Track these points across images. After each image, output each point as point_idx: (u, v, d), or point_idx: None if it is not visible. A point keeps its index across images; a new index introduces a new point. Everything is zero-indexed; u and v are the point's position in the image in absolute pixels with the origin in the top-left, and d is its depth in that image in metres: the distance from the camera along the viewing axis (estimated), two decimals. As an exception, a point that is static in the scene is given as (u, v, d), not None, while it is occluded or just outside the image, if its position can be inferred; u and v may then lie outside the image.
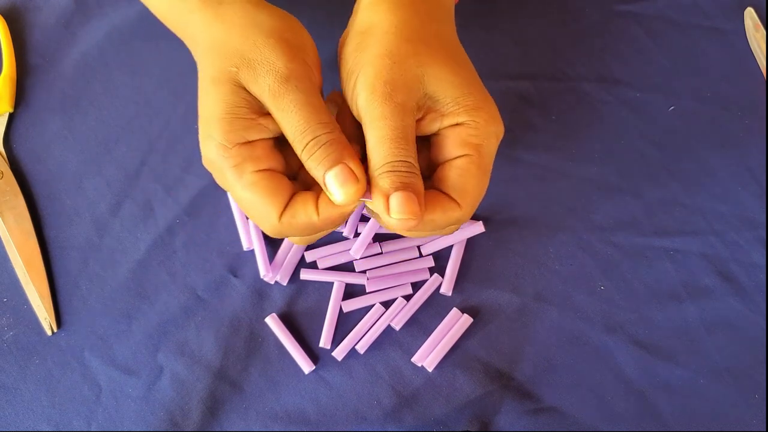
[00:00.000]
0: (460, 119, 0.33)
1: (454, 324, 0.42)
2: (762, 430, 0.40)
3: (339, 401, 0.41)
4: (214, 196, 0.45)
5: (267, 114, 0.32)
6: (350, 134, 0.35)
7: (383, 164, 0.31)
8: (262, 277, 0.43)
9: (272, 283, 0.43)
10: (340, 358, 0.41)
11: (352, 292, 0.43)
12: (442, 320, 0.42)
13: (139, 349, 0.41)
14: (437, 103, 0.33)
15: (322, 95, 0.37)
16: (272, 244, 0.44)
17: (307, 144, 0.31)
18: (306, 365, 0.41)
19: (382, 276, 0.43)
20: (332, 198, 0.31)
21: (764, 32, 0.50)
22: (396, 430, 0.40)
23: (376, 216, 0.34)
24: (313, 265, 0.43)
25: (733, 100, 0.49)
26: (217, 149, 0.32)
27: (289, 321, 0.42)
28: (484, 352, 0.42)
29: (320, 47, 0.48)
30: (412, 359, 0.41)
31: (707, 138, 0.48)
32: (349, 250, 0.43)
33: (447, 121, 0.33)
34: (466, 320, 0.42)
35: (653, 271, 0.44)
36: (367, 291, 0.43)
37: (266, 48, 0.32)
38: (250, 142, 0.32)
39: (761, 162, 0.47)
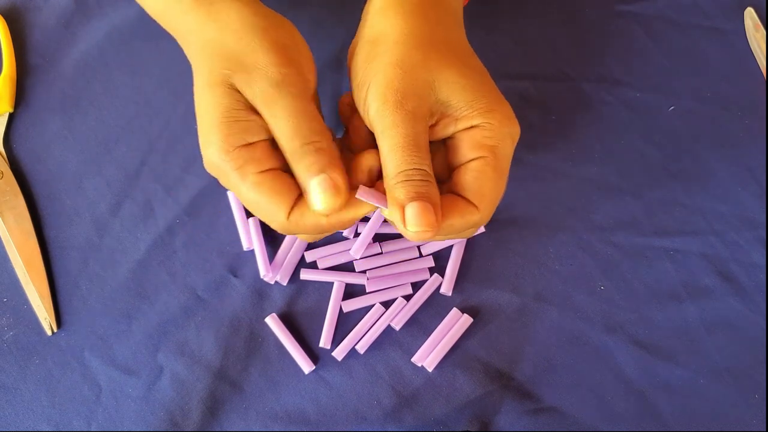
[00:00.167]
0: (474, 122, 0.33)
1: (454, 324, 0.42)
2: (762, 430, 0.40)
3: (339, 401, 0.41)
4: (214, 196, 0.45)
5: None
6: (364, 140, 0.35)
7: (397, 173, 0.31)
8: (262, 277, 0.43)
9: (272, 283, 0.43)
10: (340, 358, 0.41)
11: (352, 292, 0.43)
12: (442, 320, 0.42)
13: (139, 349, 0.41)
14: (450, 108, 0.33)
15: (317, 98, 0.36)
16: (272, 244, 0.44)
17: (294, 151, 0.31)
18: (306, 365, 0.41)
19: (382, 276, 0.43)
20: (312, 206, 0.31)
21: (764, 32, 0.50)
22: (396, 430, 0.40)
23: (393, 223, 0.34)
24: (313, 265, 0.43)
25: (733, 100, 0.49)
26: (218, 153, 0.32)
27: (289, 321, 0.42)
28: (484, 352, 0.42)
29: (321, 47, 0.49)
30: (412, 359, 0.41)
31: (707, 138, 0.48)
32: (349, 250, 0.43)
33: (461, 125, 0.33)
34: (466, 320, 0.42)
35: (653, 271, 0.44)
36: (367, 291, 0.43)
37: (260, 51, 0.32)
38: (250, 143, 0.32)
39: (761, 162, 0.47)
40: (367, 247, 0.43)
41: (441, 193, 0.33)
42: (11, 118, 0.47)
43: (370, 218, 0.43)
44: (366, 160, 0.34)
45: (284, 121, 0.31)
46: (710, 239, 0.45)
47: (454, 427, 0.40)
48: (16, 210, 0.44)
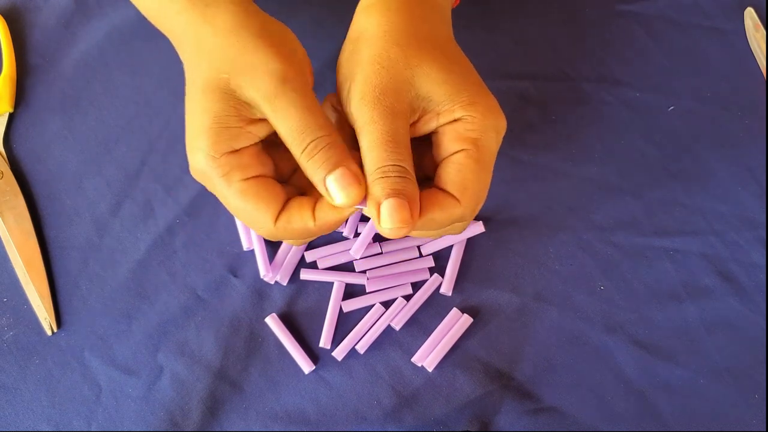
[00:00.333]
0: (456, 115, 0.33)
1: (454, 324, 0.42)
2: (762, 430, 0.40)
3: (339, 401, 0.41)
4: (213, 196, 0.44)
5: (255, 121, 0.32)
6: (348, 138, 0.35)
7: (375, 170, 0.31)
8: (262, 277, 0.43)
9: (272, 283, 0.43)
10: (340, 358, 0.41)
11: (352, 292, 0.43)
12: (442, 320, 0.42)
13: (139, 349, 0.41)
14: (431, 103, 0.33)
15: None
16: (272, 244, 0.44)
17: (306, 147, 0.31)
18: (306, 365, 0.41)
19: (382, 276, 0.43)
20: (333, 201, 0.31)
21: (764, 32, 0.50)
22: (396, 430, 0.40)
23: None
24: (313, 265, 0.43)
25: (733, 100, 0.49)
26: (205, 160, 0.31)
27: (289, 321, 0.42)
28: (484, 352, 0.42)
29: (321, 47, 0.49)
30: (412, 359, 0.41)
31: (707, 138, 0.48)
32: (349, 250, 0.43)
33: (443, 119, 0.33)
34: (466, 320, 0.42)
35: (653, 271, 0.44)
36: (367, 291, 0.43)
37: (259, 51, 0.32)
38: (237, 150, 0.32)
39: (761, 162, 0.47)
40: (367, 247, 0.43)
41: (427, 188, 0.33)
42: (11, 118, 0.47)
43: (370, 218, 0.43)
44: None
45: (291, 117, 0.31)
46: (710, 239, 0.45)
47: (454, 427, 0.40)
48: (16, 210, 0.44)
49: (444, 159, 0.33)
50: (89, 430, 0.40)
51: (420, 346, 0.42)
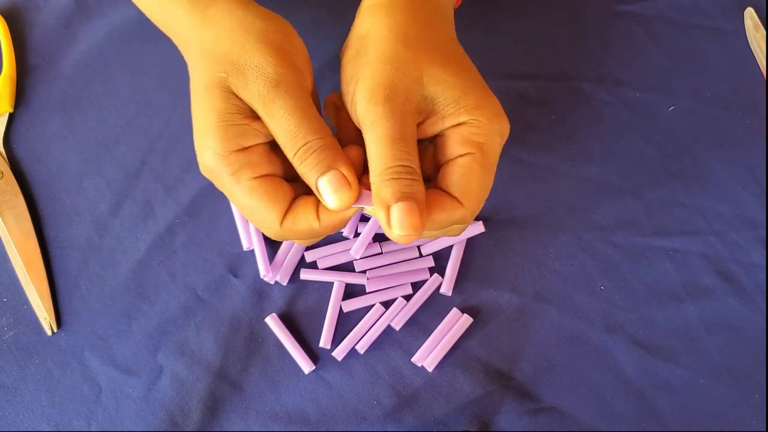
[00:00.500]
0: (461, 119, 0.33)
1: (454, 324, 0.42)
2: (762, 430, 0.40)
3: (339, 401, 0.41)
4: (214, 196, 0.45)
5: (260, 118, 0.32)
6: (352, 137, 0.35)
7: (384, 170, 0.31)
8: (262, 277, 0.43)
9: (272, 283, 0.43)
10: (340, 358, 0.41)
11: (352, 292, 0.43)
12: (442, 320, 0.42)
13: (139, 349, 0.41)
14: (437, 105, 0.33)
15: (318, 99, 0.36)
16: (272, 244, 0.44)
17: (298, 149, 0.31)
18: (306, 365, 0.41)
19: (382, 276, 0.43)
20: (325, 204, 0.31)
21: (764, 32, 0.50)
22: (396, 430, 0.40)
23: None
24: (313, 265, 0.43)
25: (733, 100, 0.49)
26: (213, 158, 0.32)
27: (289, 321, 0.42)
28: (484, 352, 0.42)
29: (321, 47, 0.49)
30: (412, 359, 0.41)
31: (707, 138, 0.48)
32: (349, 250, 0.43)
33: (448, 122, 0.33)
34: (466, 320, 0.42)
35: (653, 271, 0.44)
36: (367, 291, 0.43)
37: (256, 53, 0.32)
38: (246, 148, 0.32)
39: (761, 162, 0.47)
40: (367, 247, 0.43)
41: (427, 189, 0.33)
42: (11, 118, 0.47)
43: (370, 218, 0.43)
44: (349, 154, 0.34)
45: (284, 120, 0.31)
46: (710, 239, 0.45)
47: (454, 427, 0.40)
48: (16, 210, 0.44)
49: (448, 161, 0.33)
50: (89, 430, 0.40)
51: (420, 346, 0.42)
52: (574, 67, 0.50)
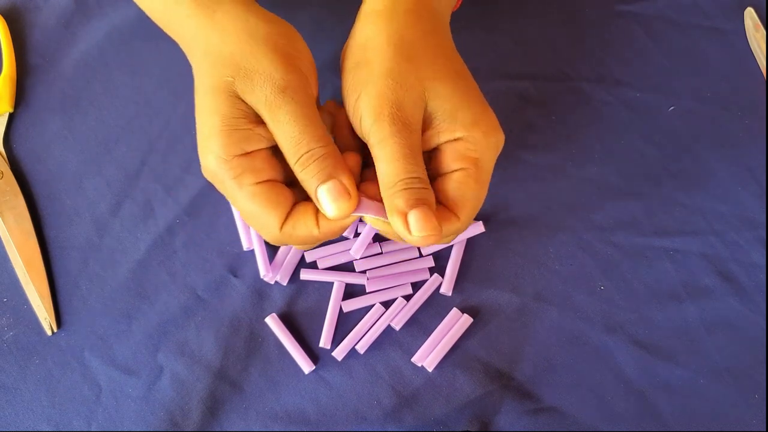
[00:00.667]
0: (456, 135, 0.33)
1: (454, 324, 0.42)
2: (762, 430, 0.40)
3: (339, 401, 0.41)
4: (214, 196, 0.45)
5: (264, 123, 0.32)
6: (347, 144, 0.35)
7: (396, 182, 0.31)
8: (262, 277, 0.43)
9: (272, 283, 0.43)
10: (340, 358, 0.41)
11: (352, 292, 0.43)
12: (442, 320, 0.42)
13: (139, 349, 0.41)
14: (435, 120, 0.33)
15: (319, 104, 0.36)
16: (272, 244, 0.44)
17: (300, 156, 0.31)
18: (306, 365, 0.41)
19: (382, 276, 0.43)
20: (324, 212, 0.32)
21: (764, 32, 0.50)
22: (396, 430, 0.40)
23: (381, 226, 0.34)
24: (313, 265, 0.43)
25: (733, 100, 0.49)
26: (216, 161, 0.32)
27: (289, 321, 0.42)
28: (484, 352, 0.42)
29: (321, 48, 0.49)
30: (412, 359, 0.41)
31: (707, 138, 0.48)
32: (349, 250, 0.43)
33: (444, 137, 0.33)
34: (466, 320, 0.42)
35: (653, 271, 0.44)
36: (367, 291, 0.43)
37: (263, 58, 0.32)
38: (248, 153, 0.32)
39: (761, 162, 0.47)
40: (367, 247, 0.43)
41: None
42: (11, 118, 0.47)
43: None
44: (347, 162, 0.35)
45: (289, 126, 0.31)
46: (710, 239, 0.45)
47: (454, 427, 0.40)
48: (16, 210, 0.44)
49: (443, 175, 0.34)
50: (89, 430, 0.40)
51: (420, 346, 0.42)
52: (574, 67, 0.50)
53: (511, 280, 0.43)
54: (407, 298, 0.42)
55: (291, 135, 0.31)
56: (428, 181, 0.32)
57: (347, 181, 0.31)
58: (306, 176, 0.31)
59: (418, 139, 0.32)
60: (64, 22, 0.50)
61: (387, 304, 0.42)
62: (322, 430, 0.40)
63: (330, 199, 0.31)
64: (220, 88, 0.32)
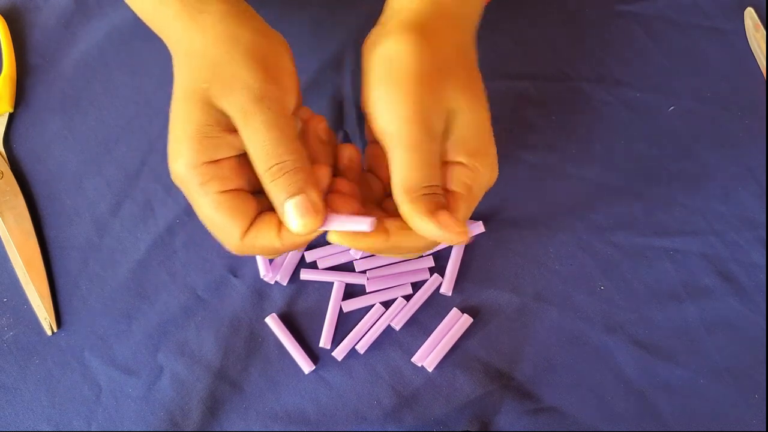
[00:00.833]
0: (459, 159, 0.33)
1: (454, 324, 0.42)
2: (762, 430, 0.40)
3: (339, 401, 0.41)
4: (214, 196, 0.45)
5: (236, 131, 0.32)
6: (315, 153, 0.35)
7: (420, 188, 0.31)
8: (262, 277, 0.43)
9: (272, 283, 0.43)
10: (340, 358, 0.41)
11: (352, 292, 0.43)
12: (442, 320, 0.42)
13: (139, 349, 0.41)
14: (447, 138, 0.33)
15: (302, 111, 0.36)
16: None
17: (270, 167, 0.31)
18: (306, 365, 0.41)
19: (382, 276, 0.43)
20: (289, 227, 0.31)
21: (764, 32, 0.50)
22: (396, 430, 0.40)
23: (345, 241, 0.33)
24: (313, 265, 0.43)
25: (733, 100, 0.49)
26: (185, 167, 0.31)
27: (289, 321, 0.42)
28: (484, 352, 0.42)
29: (321, 47, 0.49)
30: (412, 359, 0.41)
31: (707, 138, 0.48)
32: (349, 250, 0.43)
33: (449, 157, 0.33)
34: (466, 320, 0.42)
35: (653, 271, 0.44)
36: (367, 291, 0.43)
37: (243, 65, 0.31)
38: (217, 160, 0.32)
39: (761, 162, 0.47)
40: (367, 247, 0.43)
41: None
42: (11, 118, 0.47)
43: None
44: (347, 151, 0.35)
45: (261, 136, 0.31)
46: (710, 239, 0.45)
47: (454, 427, 0.40)
48: (16, 210, 0.44)
49: None
50: (89, 430, 0.40)
51: (420, 346, 0.42)
52: (574, 67, 0.50)
53: (511, 280, 0.43)
54: (407, 298, 0.42)
55: (262, 145, 0.31)
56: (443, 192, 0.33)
57: (315, 197, 0.31)
58: (274, 188, 0.31)
59: (438, 148, 0.33)
60: (64, 22, 0.50)
61: (387, 304, 0.42)
62: (322, 430, 0.40)
63: (297, 214, 0.31)
64: (196, 94, 0.32)
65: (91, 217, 0.44)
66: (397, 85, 0.32)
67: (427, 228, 0.31)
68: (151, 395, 0.40)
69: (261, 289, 0.43)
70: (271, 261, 0.43)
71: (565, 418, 0.40)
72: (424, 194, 0.31)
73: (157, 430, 0.40)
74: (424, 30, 0.34)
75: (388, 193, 0.39)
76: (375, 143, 0.39)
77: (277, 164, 0.31)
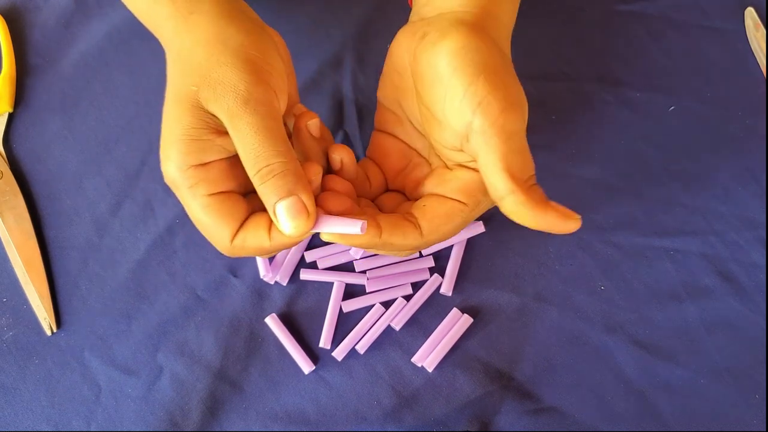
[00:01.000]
0: (473, 165, 0.33)
1: (454, 324, 0.42)
2: (762, 430, 0.40)
3: (339, 401, 0.41)
4: (214, 196, 0.45)
5: (225, 133, 0.32)
6: (307, 150, 0.35)
7: (527, 177, 0.32)
8: (262, 277, 0.43)
9: (272, 283, 0.43)
10: (340, 358, 0.41)
11: (352, 292, 0.43)
12: (442, 320, 0.42)
13: (139, 349, 0.41)
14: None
15: (307, 117, 0.36)
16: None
17: (260, 170, 0.31)
18: (306, 365, 0.41)
19: (382, 276, 0.43)
20: (281, 229, 0.31)
21: (764, 32, 0.50)
22: (396, 430, 0.40)
23: (338, 240, 0.33)
24: (313, 265, 0.43)
25: (733, 100, 0.49)
26: (175, 170, 0.32)
27: (289, 321, 0.42)
28: (484, 352, 0.42)
29: (321, 47, 0.49)
30: (412, 359, 0.41)
31: (707, 138, 0.48)
32: (349, 250, 0.43)
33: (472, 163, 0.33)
34: (466, 320, 0.42)
35: (653, 271, 0.44)
36: (367, 291, 0.43)
37: (231, 68, 0.31)
38: (205, 163, 0.32)
39: (761, 162, 0.47)
40: (367, 247, 0.43)
41: (402, 206, 0.35)
42: (11, 118, 0.47)
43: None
44: (337, 154, 0.35)
45: (249, 138, 0.31)
46: (710, 239, 0.45)
47: (454, 427, 0.40)
48: (16, 210, 0.44)
49: (438, 195, 0.34)
50: (89, 430, 0.40)
51: (420, 346, 0.41)
52: (574, 67, 0.50)
53: (511, 280, 0.43)
54: (407, 298, 0.42)
55: (251, 147, 0.31)
56: None
57: (306, 199, 0.31)
58: (264, 191, 0.31)
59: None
60: (64, 22, 0.50)
61: (387, 304, 0.42)
62: (322, 430, 0.40)
63: (288, 216, 0.31)
64: (186, 97, 0.32)
65: (91, 217, 0.44)
66: (482, 74, 0.32)
67: (545, 220, 0.31)
68: (151, 395, 0.40)
69: (261, 289, 0.43)
70: (270, 261, 0.43)
71: (565, 418, 0.40)
72: (532, 184, 0.31)
73: (157, 430, 0.40)
74: (484, 30, 0.34)
75: (388, 188, 0.39)
76: (383, 132, 0.39)
77: (266, 167, 0.31)
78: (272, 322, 0.42)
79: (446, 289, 0.43)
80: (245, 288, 0.43)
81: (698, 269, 0.44)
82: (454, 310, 0.42)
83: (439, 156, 0.36)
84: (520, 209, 0.31)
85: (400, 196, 0.38)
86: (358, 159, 0.39)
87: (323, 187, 0.35)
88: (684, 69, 0.50)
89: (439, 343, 0.41)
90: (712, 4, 0.52)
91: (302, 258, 0.43)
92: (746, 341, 0.42)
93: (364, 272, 0.43)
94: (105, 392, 0.41)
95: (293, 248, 0.43)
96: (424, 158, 0.38)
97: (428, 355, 0.41)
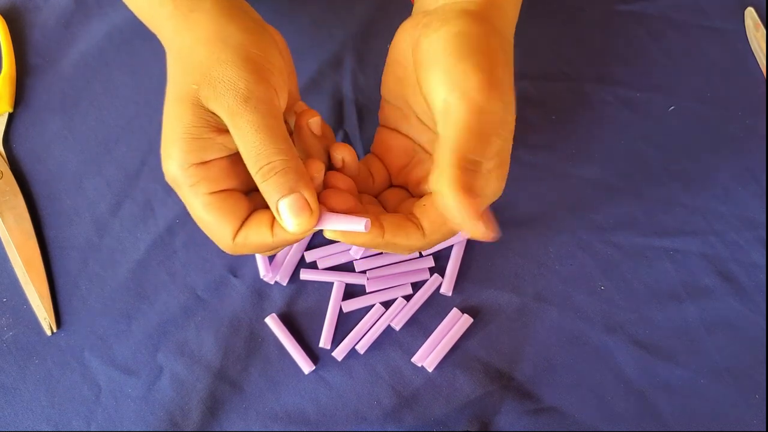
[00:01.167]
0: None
1: (454, 324, 0.42)
2: (762, 430, 0.40)
3: (339, 401, 0.41)
4: (214, 196, 0.45)
5: (226, 131, 0.32)
6: (309, 148, 0.35)
7: (469, 160, 0.31)
8: (262, 277, 0.43)
9: (272, 283, 0.43)
10: (340, 358, 0.41)
11: (352, 292, 0.43)
12: (442, 320, 0.42)
13: (139, 349, 0.41)
14: None
15: (312, 112, 0.36)
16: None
17: (261, 167, 0.31)
18: (306, 365, 0.41)
19: (382, 276, 0.43)
20: (284, 226, 0.31)
21: (764, 32, 0.50)
22: (396, 430, 0.40)
23: (340, 238, 0.33)
24: (313, 265, 0.43)
25: (733, 100, 0.49)
26: (176, 168, 0.32)
27: (289, 321, 0.42)
28: (484, 352, 0.42)
29: (321, 47, 0.49)
30: (412, 359, 0.41)
31: (707, 138, 0.48)
32: (349, 250, 0.43)
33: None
34: (466, 320, 0.42)
35: (653, 271, 0.44)
36: (367, 291, 0.43)
37: (231, 66, 0.31)
38: (206, 162, 0.32)
39: (761, 162, 0.47)
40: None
41: (405, 203, 0.35)
42: (11, 118, 0.47)
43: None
44: (338, 153, 0.35)
45: (250, 136, 0.31)
46: (710, 239, 0.45)
47: (454, 427, 0.40)
48: (16, 210, 0.44)
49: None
50: (89, 430, 0.40)
51: (420, 346, 0.41)
52: (574, 67, 0.50)
53: (511, 280, 0.43)
54: (407, 298, 0.42)
55: (252, 145, 0.31)
56: None
57: (309, 196, 0.31)
58: (267, 188, 0.31)
59: (500, 131, 0.33)
60: (64, 22, 0.50)
61: (387, 304, 0.42)
62: (322, 430, 0.40)
63: (291, 214, 0.31)
64: (186, 95, 0.32)
65: (91, 217, 0.44)
66: (473, 55, 0.32)
67: (460, 211, 0.30)
68: (151, 395, 0.40)
69: (261, 289, 0.43)
70: (271, 260, 0.43)
71: (565, 418, 0.40)
72: (469, 168, 0.30)
73: (157, 430, 0.40)
74: (488, 20, 0.34)
75: (391, 184, 0.39)
76: (388, 128, 0.39)
77: (267, 164, 0.31)
78: (272, 322, 0.42)
79: (446, 289, 0.43)
80: (245, 288, 0.43)
81: (698, 269, 0.44)
82: (454, 310, 0.42)
83: None
84: (442, 188, 0.30)
85: (403, 192, 0.38)
86: (358, 159, 0.39)
87: (325, 185, 0.35)
88: (684, 69, 0.50)
89: (439, 343, 0.41)
90: (712, 4, 0.52)
91: (302, 258, 0.43)
92: (746, 341, 0.42)
93: (364, 272, 0.43)
94: (105, 392, 0.41)
95: (293, 248, 0.43)
96: (430, 153, 0.38)
97: (428, 355, 0.41)
